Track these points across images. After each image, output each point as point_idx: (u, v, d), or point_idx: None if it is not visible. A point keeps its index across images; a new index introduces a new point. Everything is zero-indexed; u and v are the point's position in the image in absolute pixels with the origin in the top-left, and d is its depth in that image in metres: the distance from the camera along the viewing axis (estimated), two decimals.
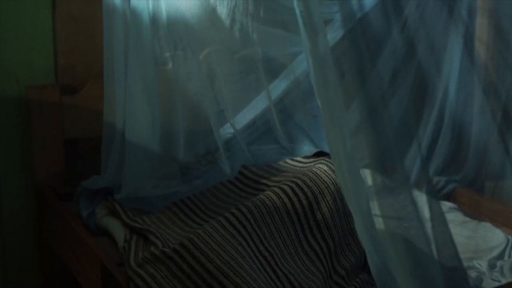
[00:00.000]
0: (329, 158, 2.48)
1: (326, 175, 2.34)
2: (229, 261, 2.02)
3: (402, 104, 2.48)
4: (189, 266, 2.03)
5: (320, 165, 2.40)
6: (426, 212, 1.83)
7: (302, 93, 2.75)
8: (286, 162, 2.64)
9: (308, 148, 2.70)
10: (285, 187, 2.28)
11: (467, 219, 2.60)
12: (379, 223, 1.83)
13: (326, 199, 2.29)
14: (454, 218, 2.57)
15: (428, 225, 1.81)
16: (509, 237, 2.45)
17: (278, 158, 2.68)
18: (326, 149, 2.60)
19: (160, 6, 2.49)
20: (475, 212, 2.66)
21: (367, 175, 1.86)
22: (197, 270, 2.02)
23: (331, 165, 2.39)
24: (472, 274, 2.23)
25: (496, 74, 2.72)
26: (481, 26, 2.72)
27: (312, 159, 2.59)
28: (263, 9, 2.67)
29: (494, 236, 2.47)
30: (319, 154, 2.62)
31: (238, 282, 1.98)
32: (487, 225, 2.56)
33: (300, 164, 2.60)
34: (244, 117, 2.73)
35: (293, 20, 2.35)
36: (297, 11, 1.80)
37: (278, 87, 2.75)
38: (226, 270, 2.00)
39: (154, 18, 2.48)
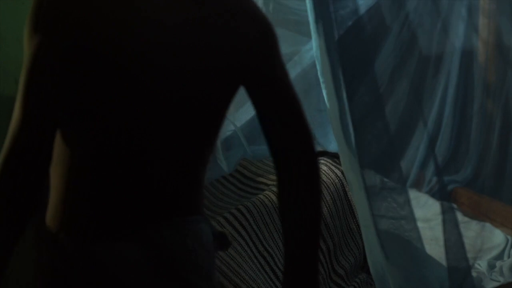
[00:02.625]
0: (330, 158, 2.47)
1: (325, 176, 2.34)
2: (228, 261, 2.02)
3: (401, 103, 2.48)
4: None
5: (320, 166, 2.39)
6: (424, 213, 1.83)
7: (304, 90, 2.74)
8: None
9: None
10: None
11: (467, 219, 2.59)
12: (379, 223, 1.83)
13: (326, 200, 2.29)
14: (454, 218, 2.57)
15: (426, 225, 1.81)
16: (509, 237, 2.45)
17: None
18: (328, 147, 2.59)
19: None
20: (475, 212, 2.66)
21: (368, 175, 1.86)
22: None
23: (331, 166, 2.38)
24: (472, 274, 2.22)
25: (496, 74, 2.72)
26: (481, 26, 2.72)
27: None
28: (265, 8, 2.67)
29: (494, 236, 2.47)
30: (320, 153, 2.62)
31: (237, 282, 1.98)
32: (487, 225, 2.55)
33: None
34: (245, 113, 2.72)
35: (294, 19, 2.36)
36: (308, 6, 1.81)
37: None
38: (225, 270, 2.00)
39: None
